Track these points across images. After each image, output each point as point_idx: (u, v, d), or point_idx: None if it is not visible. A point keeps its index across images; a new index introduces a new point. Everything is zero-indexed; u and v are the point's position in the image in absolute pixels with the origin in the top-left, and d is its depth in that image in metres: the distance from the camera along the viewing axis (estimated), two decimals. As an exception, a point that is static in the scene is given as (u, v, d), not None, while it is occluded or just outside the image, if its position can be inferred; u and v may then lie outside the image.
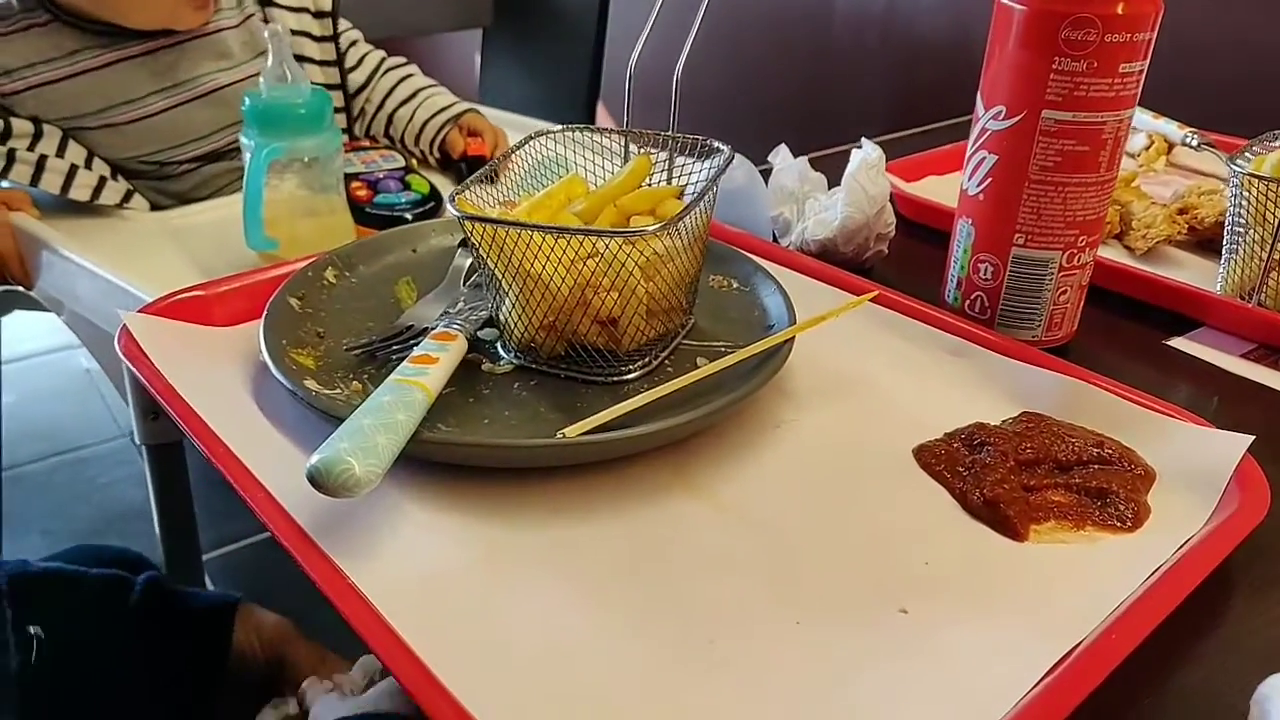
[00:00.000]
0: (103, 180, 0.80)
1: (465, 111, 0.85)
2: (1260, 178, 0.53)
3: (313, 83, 0.70)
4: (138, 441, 0.85)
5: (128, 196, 0.81)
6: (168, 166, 0.83)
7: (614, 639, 0.32)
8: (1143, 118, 0.85)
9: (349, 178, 0.79)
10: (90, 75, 0.79)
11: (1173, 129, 0.82)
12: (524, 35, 1.90)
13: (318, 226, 0.72)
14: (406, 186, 0.80)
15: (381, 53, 0.92)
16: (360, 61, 0.90)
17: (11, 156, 0.77)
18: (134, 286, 0.69)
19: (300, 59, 0.87)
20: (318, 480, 0.34)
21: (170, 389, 0.44)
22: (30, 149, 0.77)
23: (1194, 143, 0.80)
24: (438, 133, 0.86)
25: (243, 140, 0.70)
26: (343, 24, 0.90)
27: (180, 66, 0.80)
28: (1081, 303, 0.54)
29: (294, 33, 0.86)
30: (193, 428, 0.42)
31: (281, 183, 0.70)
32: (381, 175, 0.81)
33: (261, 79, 0.68)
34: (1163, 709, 0.32)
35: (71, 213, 0.80)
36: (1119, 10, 0.45)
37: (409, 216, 0.76)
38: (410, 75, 0.90)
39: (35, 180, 0.77)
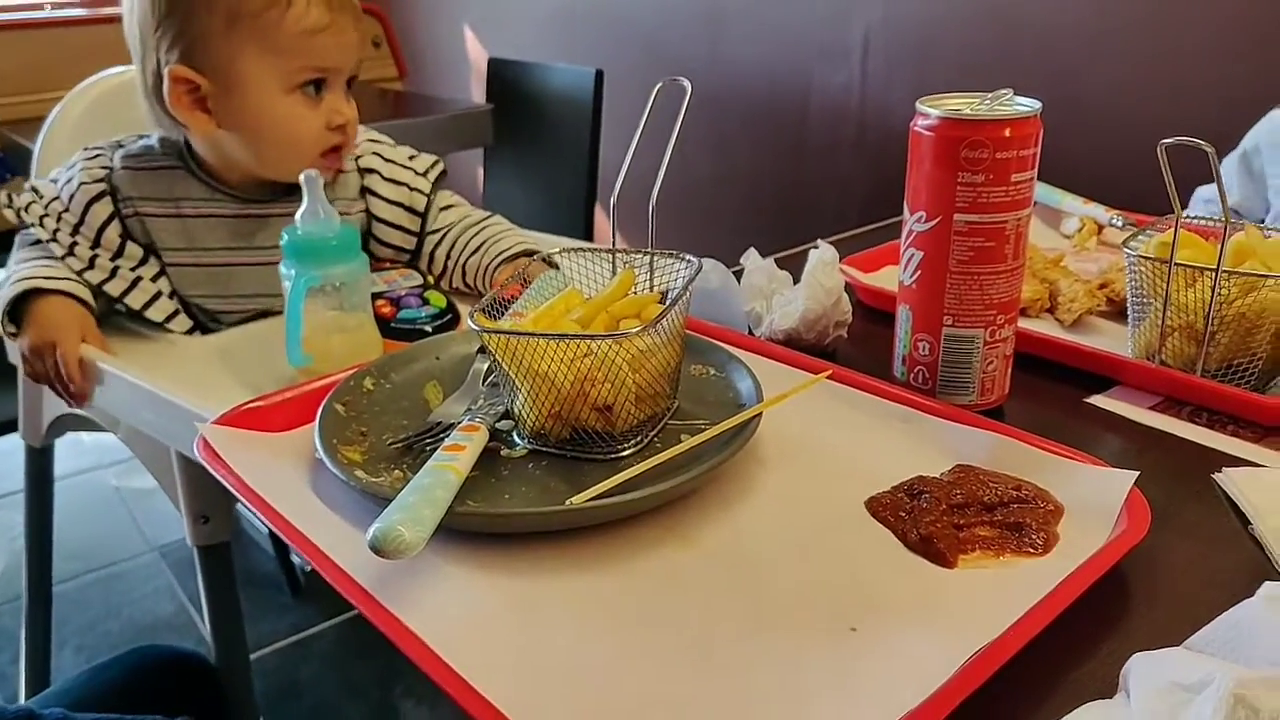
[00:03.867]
0: (176, 311, 0.91)
1: (520, 254, 0.95)
2: (1148, 258, 0.63)
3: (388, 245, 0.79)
4: (189, 543, 0.94)
5: (192, 330, 0.92)
6: (220, 314, 0.93)
7: (625, 660, 0.41)
8: (1074, 204, 0.95)
9: (374, 296, 0.89)
10: (183, 219, 0.91)
11: (1101, 212, 0.93)
12: (522, 152, 2.04)
13: (349, 341, 0.82)
14: (426, 302, 0.90)
15: (464, 212, 1.01)
16: (443, 228, 0.99)
17: (114, 272, 0.88)
18: (191, 404, 0.78)
19: (381, 243, 0.97)
20: (377, 545, 0.43)
21: (244, 485, 0.53)
22: (132, 270, 0.89)
23: (1119, 223, 0.90)
24: (493, 272, 0.96)
25: (282, 270, 0.80)
26: (441, 196, 1.00)
27: (258, 235, 0.91)
28: (1009, 370, 0.63)
29: (385, 222, 0.96)
30: (265, 514, 0.51)
31: (316, 305, 0.80)
32: (403, 292, 0.91)
33: (298, 217, 0.79)
34: (1061, 692, 0.40)
35: (130, 338, 0.90)
36: (1006, 133, 0.56)
37: (429, 329, 0.86)
38: (485, 227, 0.99)
39: (124, 295, 0.88)
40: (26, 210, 0.89)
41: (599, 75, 1.85)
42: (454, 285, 1.00)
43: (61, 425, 1.11)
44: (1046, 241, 0.93)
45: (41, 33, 2.02)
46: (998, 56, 1.59)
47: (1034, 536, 0.49)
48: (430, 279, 0.97)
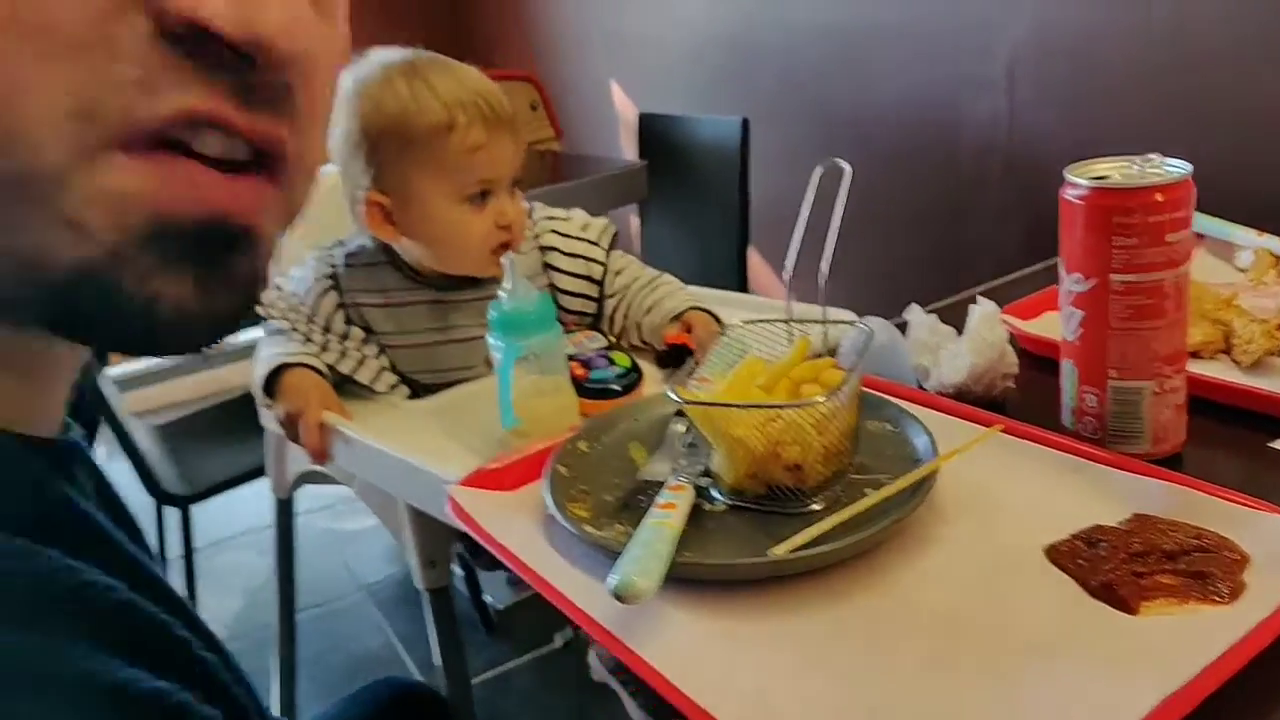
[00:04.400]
0: (397, 383, 1.05)
1: (687, 310, 1.04)
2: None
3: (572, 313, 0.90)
4: (418, 586, 1.06)
5: (411, 398, 1.06)
6: (429, 387, 1.07)
7: (831, 691, 0.47)
8: (1247, 236, 0.96)
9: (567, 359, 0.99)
10: (391, 308, 1.05)
11: (1276, 243, 0.93)
12: (674, 204, 2.14)
13: (550, 404, 0.92)
14: (612, 362, 0.99)
15: (636, 272, 1.11)
16: (619, 291, 1.10)
17: (344, 353, 1.04)
18: (423, 463, 0.90)
19: (566, 310, 1.09)
20: (618, 594, 0.51)
21: (489, 537, 0.63)
22: (357, 350, 1.04)
23: (1294, 255, 0.90)
24: (661, 328, 1.06)
25: (490, 342, 0.92)
26: (614, 259, 1.11)
27: (452, 317, 1.04)
28: (1183, 417, 0.66)
29: (568, 293, 1.08)
30: (514, 565, 0.60)
31: (521, 372, 0.91)
32: (591, 354, 1.01)
33: (501, 294, 0.90)
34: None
35: (360, 403, 1.04)
36: (1157, 198, 0.60)
37: (618, 388, 0.95)
38: (656, 287, 1.09)
39: (354, 371, 1.03)
40: (273, 307, 1.05)
41: (745, 124, 1.93)
42: (631, 342, 1.10)
43: (303, 480, 1.27)
44: (1219, 276, 0.94)
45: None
46: (1150, 78, 1.58)
47: (1219, 585, 0.51)
48: (611, 339, 1.06)
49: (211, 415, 1.96)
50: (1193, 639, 0.48)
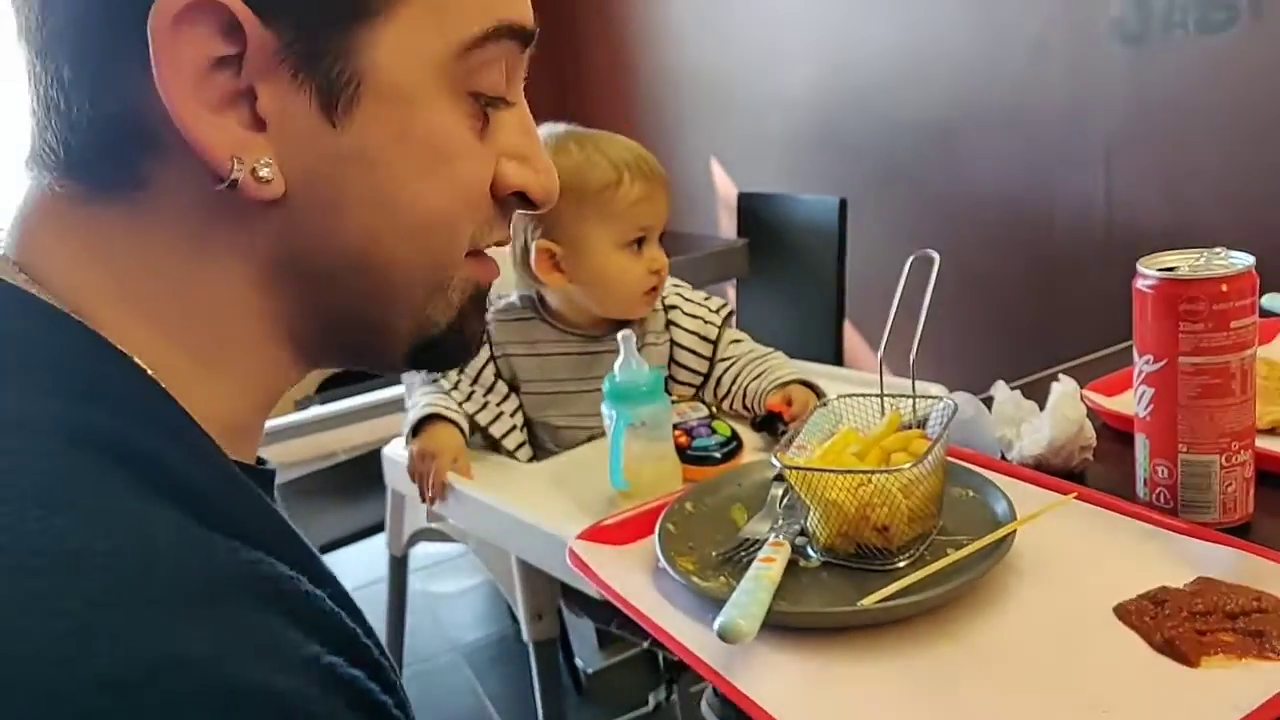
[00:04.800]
0: (524, 443, 1.17)
1: (790, 382, 1.13)
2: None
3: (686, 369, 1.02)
4: (526, 639, 1.14)
5: (532, 457, 1.17)
6: (563, 430, 1.18)
7: (910, 726, 0.54)
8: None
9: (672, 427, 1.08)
10: (538, 358, 1.19)
11: (1356, 326, 0.96)
12: (772, 280, 2.22)
13: (656, 468, 1.00)
14: (714, 431, 1.07)
15: (749, 346, 1.22)
16: (731, 358, 1.20)
17: (485, 405, 1.17)
18: (541, 522, 0.99)
19: (680, 366, 1.20)
20: (723, 634, 0.58)
21: (607, 587, 0.71)
22: (497, 405, 1.17)
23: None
24: (766, 396, 1.14)
25: (604, 410, 1.01)
26: (731, 332, 1.22)
27: (594, 367, 1.16)
28: (1251, 489, 0.70)
29: (684, 348, 1.20)
30: (629, 610, 0.68)
31: (631, 438, 1.00)
32: (694, 423, 1.09)
33: (616, 368, 1.00)
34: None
35: (483, 464, 1.14)
36: (1222, 289, 0.66)
37: (719, 455, 1.03)
38: (767, 359, 1.19)
39: (489, 424, 1.15)
40: None
41: (843, 204, 2.01)
42: (734, 407, 1.18)
43: (417, 537, 1.37)
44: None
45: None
46: (1243, 157, 1.60)
47: (1275, 643, 0.56)
48: (714, 409, 1.15)
49: (318, 479, 2.10)
50: (1247, 689, 0.52)
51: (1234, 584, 0.61)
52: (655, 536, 0.75)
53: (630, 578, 0.73)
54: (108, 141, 0.37)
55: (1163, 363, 0.69)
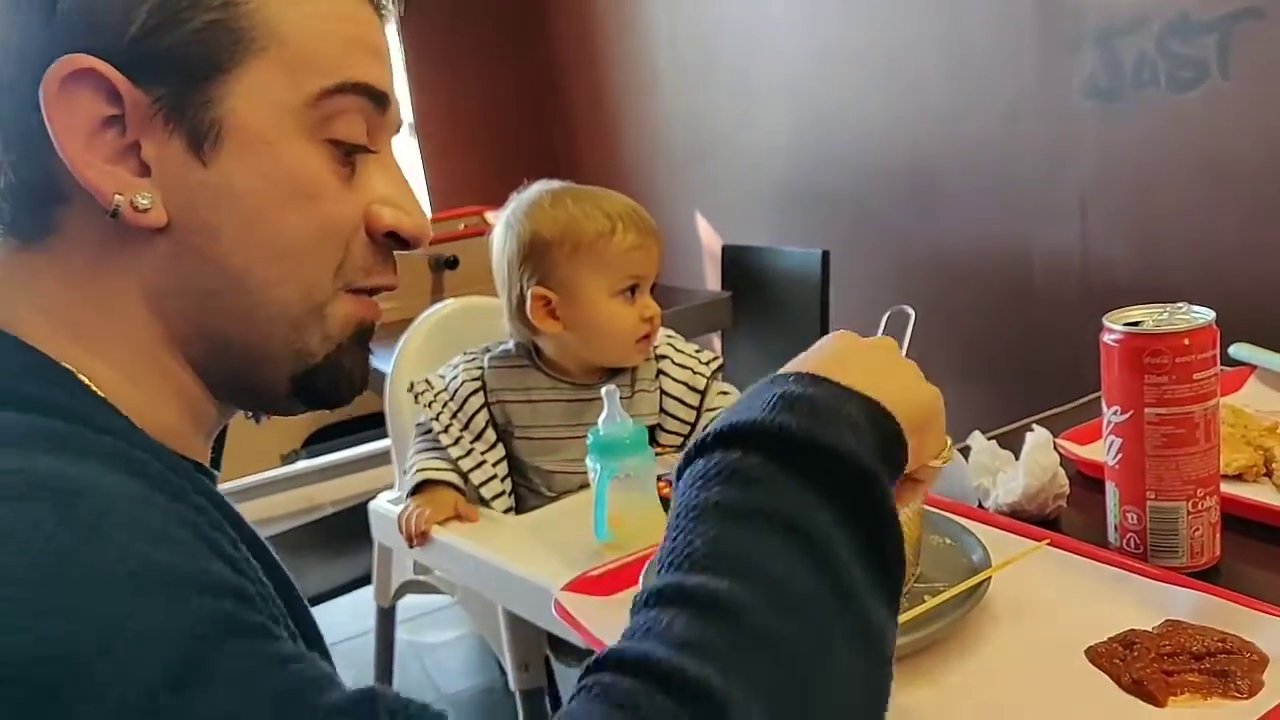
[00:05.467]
0: (503, 492, 1.18)
1: None
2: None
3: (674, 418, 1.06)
4: (513, 688, 1.14)
5: (509, 510, 1.17)
6: (554, 475, 1.19)
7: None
8: (1291, 365, 1.02)
9: (656, 478, 1.09)
10: (531, 404, 1.20)
11: (1319, 375, 0.99)
12: (755, 331, 2.25)
13: (640, 519, 1.01)
14: (698, 482, 1.09)
15: (736, 399, 1.24)
16: (719, 409, 1.22)
17: (470, 452, 1.18)
18: (523, 572, 1.00)
19: (669, 415, 1.22)
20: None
21: (591, 637, 0.72)
22: (482, 454, 1.18)
23: (1336, 386, 0.96)
24: None
25: (588, 463, 1.02)
26: (721, 385, 1.25)
27: (585, 414, 1.17)
28: (1217, 534, 0.72)
29: (672, 397, 1.22)
30: (611, 659, 0.69)
31: (616, 491, 1.01)
32: (679, 475, 1.11)
33: (601, 422, 1.01)
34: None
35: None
36: (1185, 342, 0.68)
37: (702, 505, 1.05)
38: None
39: (470, 470, 1.16)
40: (422, 395, 1.21)
41: (825, 256, 2.05)
42: None
43: (405, 589, 1.38)
44: (1267, 405, 1.00)
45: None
46: (1215, 207, 1.65)
47: (1239, 682, 0.58)
48: (699, 461, 1.16)
49: (305, 532, 2.10)
50: (1215, 730, 0.54)
51: (1200, 626, 0.63)
52: (640, 587, 0.76)
53: (615, 628, 0.74)
54: (28, 201, 0.46)
55: (1129, 414, 0.71)
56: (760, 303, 2.22)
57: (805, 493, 0.43)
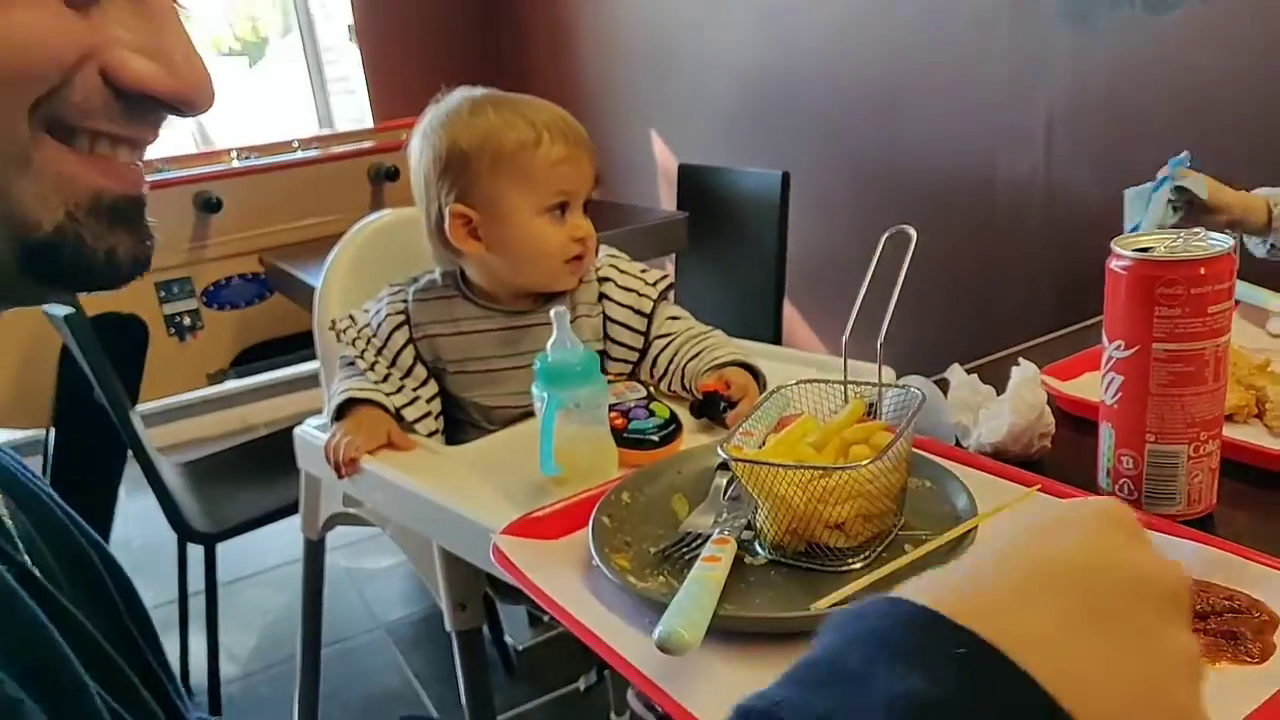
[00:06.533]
0: (438, 430, 1.09)
1: (729, 363, 1.07)
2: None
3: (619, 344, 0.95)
4: (449, 628, 1.07)
5: (459, 433, 1.10)
6: (493, 410, 1.10)
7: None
8: (1280, 302, 0.97)
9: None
10: (460, 336, 1.10)
11: (1310, 310, 0.94)
12: (712, 254, 2.17)
13: (590, 452, 0.94)
14: (651, 413, 1.01)
15: (688, 324, 1.15)
16: (669, 335, 1.13)
17: (401, 388, 1.09)
18: (461, 509, 0.92)
19: (614, 341, 1.13)
20: (663, 645, 0.52)
21: (533, 585, 0.65)
22: (414, 389, 1.09)
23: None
24: (700, 376, 1.08)
25: (534, 391, 0.94)
26: (669, 307, 1.15)
27: (521, 342, 1.09)
28: (1215, 481, 0.67)
29: (617, 322, 1.12)
30: (554, 611, 0.62)
31: (563, 421, 0.93)
32: (631, 405, 1.02)
33: (549, 347, 0.93)
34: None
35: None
36: (1201, 271, 0.61)
37: (656, 439, 0.97)
38: (707, 337, 1.12)
39: (405, 405, 1.07)
40: (344, 332, 1.11)
41: (785, 177, 1.96)
42: (672, 388, 1.12)
43: (334, 522, 1.29)
44: (1251, 342, 0.95)
45: (289, 172, 2.35)
46: (1187, 134, 1.59)
47: (1249, 645, 0.52)
48: (652, 390, 1.08)
49: (237, 455, 2.00)
50: (1223, 699, 0.48)
51: (1203, 581, 0.58)
52: (589, 531, 0.68)
53: (560, 577, 0.67)
54: None
55: (1135, 349, 0.64)
56: (717, 224, 2.13)
57: None
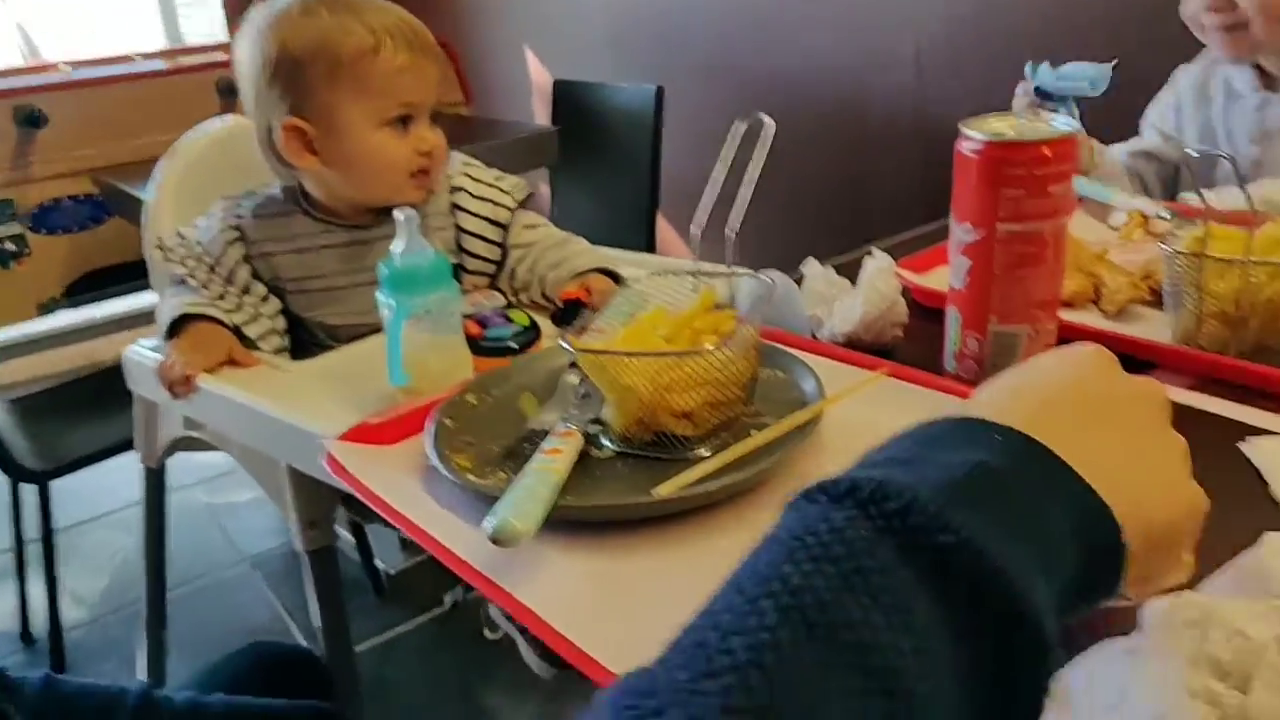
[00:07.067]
0: (285, 347, 1.03)
1: (590, 270, 1.03)
2: (1183, 253, 0.67)
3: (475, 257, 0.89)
4: (299, 548, 1.02)
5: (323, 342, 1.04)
6: (339, 329, 1.04)
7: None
8: (1123, 198, 0.99)
9: (463, 317, 0.97)
10: (299, 254, 1.03)
11: (1148, 205, 0.96)
12: (586, 170, 2.12)
13: (443, 361, 0.89)
14: (510, 320, 0.97)
15: (547, 232, 1.10)
16: (527, 244, 1.08)
17: (240, 306, 1.01)
18: (304, 423, 0.86)
19: (469, 254, 1.07)
20: (494, 537, 0.50)
21: (368, 491, 0.61)
22: (254, 307, 1.02)
23: (1166, 216, 0.94)
24: (562, 285, 1.04)
25: (380, 299, 0.88)
26: (526, 215, 1.10)
27: (366, 258, 1.01)
28: (1056, 362, 0.67)
29: (471, 234, 1.06)
30: (389, 515, 0.58)
31: (413, 329, 0.88)
32: (488, 313, 0.98)
33: (394, 251, 0.87)
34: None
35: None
36: (1045, 153, 0.61)
37: (515, 346, 0.93)
38: (566, 245, 1.08)
39: (247, 323, 1.00)
40: (172, 251, 1.02)
41: (659, 93, 1.92)
42: (534, 299, 1.08)
43: (175, 447, 1.21)
44: (1093, 235, 0.97)
45: (127, 86, 2.17)
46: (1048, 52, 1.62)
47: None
48: (512, 298, 1.04)
49: (73, 390, 1.86)
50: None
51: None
52: (427, 432, 0.65)
53: (398, 480, 0.63)
54: None
55: (982, 231, 0.64)
56: (592, 139, 2.08)
57: (942, 642, 0.26)
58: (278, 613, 1.86)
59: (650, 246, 1.96)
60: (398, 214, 0.86)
